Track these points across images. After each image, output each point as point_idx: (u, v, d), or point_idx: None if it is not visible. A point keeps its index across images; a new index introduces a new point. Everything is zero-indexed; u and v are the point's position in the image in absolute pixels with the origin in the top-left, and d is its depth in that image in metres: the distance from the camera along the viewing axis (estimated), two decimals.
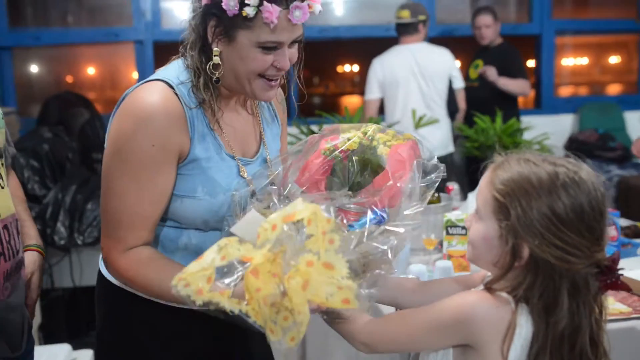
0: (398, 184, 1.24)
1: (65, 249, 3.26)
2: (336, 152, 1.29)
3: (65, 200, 3.13)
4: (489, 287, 1.09)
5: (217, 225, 1.35)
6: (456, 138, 4.22)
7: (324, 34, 4.78)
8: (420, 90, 3.89)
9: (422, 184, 1.25)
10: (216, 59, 1.29)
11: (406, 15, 3.86)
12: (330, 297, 0.99)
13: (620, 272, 1.09)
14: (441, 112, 3.95)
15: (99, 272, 1.44)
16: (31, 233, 1.52)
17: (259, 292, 1.00)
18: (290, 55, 1.30)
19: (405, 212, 1.22)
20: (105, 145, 1.33)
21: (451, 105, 4.04)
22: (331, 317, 1.16)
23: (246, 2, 1.21)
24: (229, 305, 1.02)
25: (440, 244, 2.23)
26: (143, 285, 1.31)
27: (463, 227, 2.08)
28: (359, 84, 5.93)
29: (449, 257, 2.07)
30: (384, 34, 4.79)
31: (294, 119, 4.40)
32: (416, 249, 2.25)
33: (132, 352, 1.40)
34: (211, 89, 1.31)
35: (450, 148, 4.04)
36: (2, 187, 1.33)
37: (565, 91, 5.69)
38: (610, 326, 1.64)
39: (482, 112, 3.90)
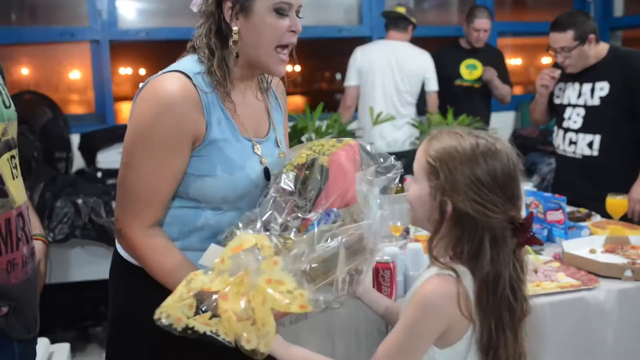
0: (344, 185, 1.42)
1: None
2: (292, 168, 1.48)
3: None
4: (433, 258, 1.28)
5: (234, 204, 1.49)
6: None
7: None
8: (395, 85, 4.07)
9: (383, 183, 1.45)
10: (235, 37, 1.44)
11: (402, 11, 4.06)
12: (289, 305, 1.19)
13: (532, 231, 1.29)
14: (411, 109, 4.15)
15: (116, 254, 1.55)
16: (35, 223, 1.57)
17: (227, 313, 1.19)
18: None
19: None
20: (128, 125, 1.44)
21: (420, 104, 4.23)
22: None
23: None
24: (201, 327, 1.22)
25: (406, 230, 2.41)
26: (150, 267, 1.44)
27: None
28: (300, 85, 6.02)
29: (416, 241, 2.25)
30: (336, 34, 4.96)
31: None
32: (383, 235, 2.41)
33: (151, 331, 1.32)
34: (224, 69, 1.46)
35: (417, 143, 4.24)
36: (17, 177, 1.36)
37: None
38: (562, 297, 1.88)
39: (476, 113, 3.79)
